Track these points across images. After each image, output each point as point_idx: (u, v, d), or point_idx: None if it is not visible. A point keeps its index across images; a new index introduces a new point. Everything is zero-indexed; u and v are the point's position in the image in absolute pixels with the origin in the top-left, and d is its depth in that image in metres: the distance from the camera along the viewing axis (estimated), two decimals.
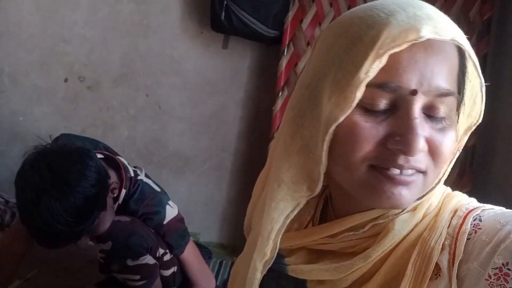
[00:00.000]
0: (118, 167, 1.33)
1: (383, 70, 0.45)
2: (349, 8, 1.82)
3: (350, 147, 0.48)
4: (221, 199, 2.13)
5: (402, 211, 0.52)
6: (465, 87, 0.50)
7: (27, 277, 1.58)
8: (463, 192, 0.58)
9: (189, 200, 2.11)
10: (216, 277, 1.84)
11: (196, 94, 2.07)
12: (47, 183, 1.09)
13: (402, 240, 0.52)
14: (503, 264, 0.43)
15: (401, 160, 0.46)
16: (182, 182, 2.12)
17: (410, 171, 0.47)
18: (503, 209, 0.51)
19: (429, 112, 0.47)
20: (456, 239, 0.48)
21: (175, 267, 1.45)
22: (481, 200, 0.57)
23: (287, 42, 1.83)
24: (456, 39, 0.44)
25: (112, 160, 1.33)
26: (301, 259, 0.59)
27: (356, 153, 0.47)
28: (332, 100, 0.48)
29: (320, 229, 0.57)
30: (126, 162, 1.39)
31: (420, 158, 0.47)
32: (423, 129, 0.46)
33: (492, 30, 1.75)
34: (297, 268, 0.58)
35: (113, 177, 1.28)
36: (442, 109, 0.46)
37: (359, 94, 0.46)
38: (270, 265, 0.57)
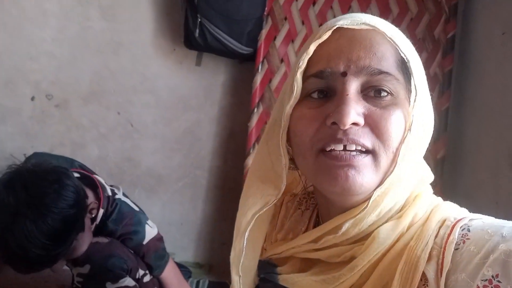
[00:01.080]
0: (95, 186, 1.28)
1: (317, 62, 0.53)
2: (320, 25, 1.87)
3: (299, 134, 0.54)
4: (196, 217, 2.10)
5: (366, 206, 0.52)
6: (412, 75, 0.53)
7: None
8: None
9: (163, 219, 2.06)
10: None
11: (169, 111, 2.05)
12: (23, 205, 1.04)
13: (388, 250, 0.52)
14: (493, 277, 0.43)
15: (339, 134, 0.50)
16: (155, 201, 2.07)
17: (353, 147, 0.50)
18: (492, 218, 0.52)
19: (368, 92, 0.51)
20: (444, 249, 0.48)
21: None
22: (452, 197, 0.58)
23: (261, 59, 1.85)
24: (367, 22, 0.51)
25: (89, 179, 1.29)
26: (293, 268, 0.60)
27: (304, 137, 0.53)
28: (286, 97, 0.55)
29: (305, 236, 0.59)
30: (103, 181, 1.34)
31: (359, 132, 0.50)
32: (357, 104, 0.50)
33: (456, 47, 1.84)
34: (288, 278, 0.59)
35: (90, 196, 1.23)
36: (378, 87, 0.51)
37: (296, 84, 0.53)
38: (242, 260, 0.62)
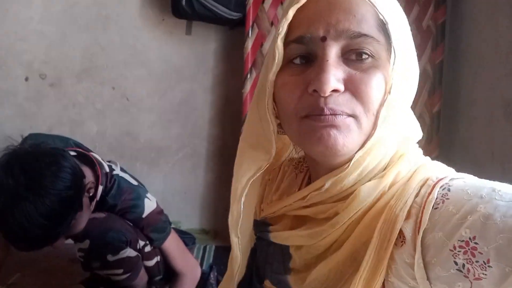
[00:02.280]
0: (92, 164, 1.31)
1: (298, 27, 0.52)
2: None
3: (283, 102, 0.54)
4: (198, 185, 2.13)
5: (348, 166, 0.53)
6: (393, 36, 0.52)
7: (9, 282, 1.56)
8: (432, 157, 0.59)
9: (166, 190, 2.10)
10: (202, 262, 1.86)
11: (163, 83, 2.05)
12: (22, 187, 1.06)
13: (370, 208, 0.53)
14: (470, 238, 0.44)
15: (321, 102, 0.50)
16: (157, 174, 2.11)
17: (329, 116, 0.50)
18: (474, 178, 0.52)
19: (349, 56, 0.51)
20: (423, 207, 0.49)
21: (159, 257, 1.45)
22: (447, 161, 0.58)
23: (250, 24, 1.82)
24: None
25: (85, 157, 1.31)
26: (284, 227, 0.63)
27: (288, 105, 0.53)
28: (269, 65, 0.55)
29: (295, 195, 0.61)
30: (100, 158, 1.36)
31: (340, 100, 0.50)
32: (337, 69, 0.50)
33: (446, 36, 1.80)
34: (277, 235, 0.62)
35: (88, 174, 1.26)
36: (359, 50, 0.50)
37: (277, 51, 0.53)
38: (240, 223, 0.64)
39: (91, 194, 1.26)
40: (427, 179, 0.52)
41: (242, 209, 0.63)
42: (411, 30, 0.56)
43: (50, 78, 2.02)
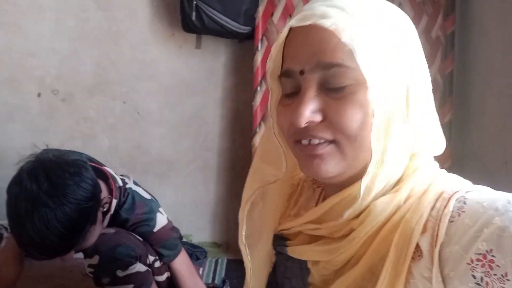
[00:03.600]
0: (106, 178, 1.31)
1: (285, 62, 0.56)
2: None
3: (280, 129, 0.59)
4: (209, 198, 2.14)
5: (360, 196, 0.53)
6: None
7: None
8: (444, 168, 0.59)
9: (177, 203, 2.10)
10: (214, 276, 1.85)
11: (173, 96, 2.06)
12: (44, 194, 1.07)
13: (386, 223, 0.53)
14: (487, 251, 0.44)
15: (301, 134, 0.54)
16: (168, 186, 2.11)
17: (316, 141, 0.53)
18: (490, 190, 0.52)
19: (328, 86, 0.52)
20: (439, 221, 0.49)
21: (168, 273, 1.45)
22: (460, 171, 0.58)
23: (260, 37, 1.84)
24: (317, 22, 0.51)
25: (99, 171, 1.31)
26: (301, 241, 0.64)
27: (283, 132, 0.59)
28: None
29: (308, 214, 0.62)
30: (113, 172, 1.37)
31: (319, 128, 0.53)
32: (314, 101, 0.52)
33: (456, 8, 1.80)
34: (295, 249, 0.63)
35: (102, 188, 1.26)
36: (333, 80, 0.52)
37: (270, 86, 0.59)
38: (244, 232, 0.68)
39: (105, 209, 1.27)
40: (442, 192, 0.52)
41: (245, 216, 0.68)
42: (420, 40, 0.57)
43: (62, 93, 2.04)
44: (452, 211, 0.49)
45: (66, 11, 1.97)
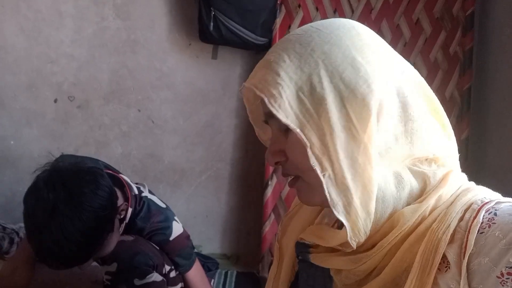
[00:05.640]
0: (122, 186, 1.31)
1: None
2: (334, 11, 1.85)
3: None
4: (220, 209, 2.12)
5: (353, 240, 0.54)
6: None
7: None
8: None
9: (188, 213, 2.09)
10: None
11: (188, 105, 2.07)
12: (61, 202, 1.07)
13: (410, 233, 0.52)
14: None
15: (278, 169, 0.60)
16: (180, 195, 2.11)
17: (289, 178, 0.60)
18: None
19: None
20: (468, 232, 0.48)
21: (182, 283, 1.43)
22: None
23: None
24: (252, 86, 0.57)
25: (115, 179, 1.31)
26: (324, 249, 0.63)
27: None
28: None
29: (326, 240, 0.61)
30: (129, 180, 1.37)
31: (285, 166, 0.59)
32: (277, 143, 0.58)
33: (475, 24, 1.80)
34: (317, 256, 0.63)
35: (118, 196, 1.26)
36: (279, 125, 0.57)
37: (256, 128, 0.70)
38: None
39: (122, 216, 1.26)
40: (472, 204, 0.51)
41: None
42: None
43: (78, 100, 2.06)
44: (482, 222, 0.48)
45: (86, 19, 2.00)
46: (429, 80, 0.48)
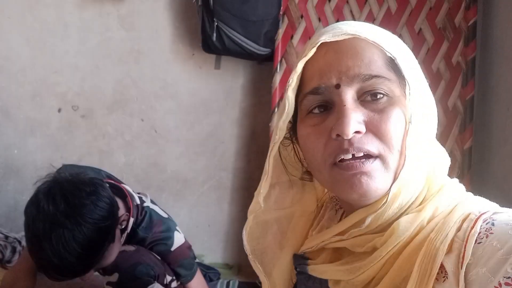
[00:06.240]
0: (124, 196, 1.32)
1: (311, 80, 0.56)
2: (337, 21, 1.86)
3: (310, 152, 0.57)
4: (223, 219, 2.12)
5: (386, 201, 0.53)
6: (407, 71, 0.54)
7: None
8: None
9: (190, 222, 2.09)
10: None
11: (191, 115, 2.08)
12: (61, 214, 1.07)
13: (409, 243, 0.52)
14: None
15: (345, 144, 0.52)
16: (182, 205, 2.11)
17: (361, 153, 0.52)
18: None
19: (364, 98, 0.53)
20: (466, 242, 0.48)
21: None
22: None
23: (279, 59, 1.85)
24: (348, 31, 0.53)
25: (117, 189, 1.32)
26: (322, 260, 0.63)
27: (315, 154, 0.56)
28: (279, 114, 0.60)
29: (332, 229, 0.62)
30: (131, 190, 1.37)
31: (364, 140, 0.52)
32: (356, 112, 0.52)
33: (478, 34, 1.80)
34: (315, 268, 0.63)
35: (120, 206, 1.27)
36: (373, 91, 0.53)
37: (287, 101, 0.58)
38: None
39: (123, 226, 1.26)
40: (469, 214, 0.52)
41: (246, 231, 0.71)
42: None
43: (82, 109, 2.07)
44: (480, 232, 0.48)
45: (90, 30, 2.03)
46: (432, 90, 0.49)
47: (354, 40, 0.54)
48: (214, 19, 1.80)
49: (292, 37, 1.86)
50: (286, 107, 0.58)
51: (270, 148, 0.60)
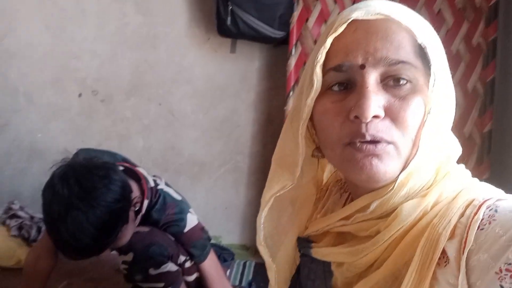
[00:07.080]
0: (138, 179, 1.35)
1: (336, 56, 0.53)
2: (353, 3, 1.83)
3: (325, 128, 0.55)
4: (239, 201, 2.15)
5: (393, 188, 0.53)
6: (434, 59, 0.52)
7: None
8: (483, 179, 0.58)
9: (208, 205, 2.13)
10: (241, 278, 1.86)
11: (207, 99, 2.10)
12: (75, 197, 1.11)
13: (412, 227, 0.52)
14: None
15: (362, 128, 0.51)
16: (199, 188, 2.15)
17: (377, 138, 0.51)
18: None
19: (387, 82, 0.52)
20: (468, 228, 0.48)
21: (197, 273, 1.47)
22: (499, 183, 0.56)
23: (294, 42, 1.84)
24: (382, 11, 0.51)
25: (132, 172, 1.35)
26: (326, 244, 0.63)
27: (331, 131, 0.54)
28: (304, 89, 0.57)
29: (338, 213, 0.61)
30: (145, 173, 1.41)
31: (380, 126, 0.51)
32: (377, 96, 0.51)
33: (499, 14, 1.74)
34: (319, 251, 0.63)
35: (134, 188, 1.30)
36: (397, 76, 0.51)
37: (316, 77, 0.54)
38: (262, 233, 0.69)
39: (137, 208, 1.30)
40: (473, 200, 0.51)
41: (262, 222, 0.68)
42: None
43: (101, 94, 2.12)
44: (483, 219, 0.48)
45: (108, 16, 2.05)
46: (451, 72, 0.48)
47: (386, 21, 0.52)
48: (229, 3, 1.80)
49: (307, 20, 1.84)
50: (315, 84, 0.55)
51: (299, 127, 0.57)
